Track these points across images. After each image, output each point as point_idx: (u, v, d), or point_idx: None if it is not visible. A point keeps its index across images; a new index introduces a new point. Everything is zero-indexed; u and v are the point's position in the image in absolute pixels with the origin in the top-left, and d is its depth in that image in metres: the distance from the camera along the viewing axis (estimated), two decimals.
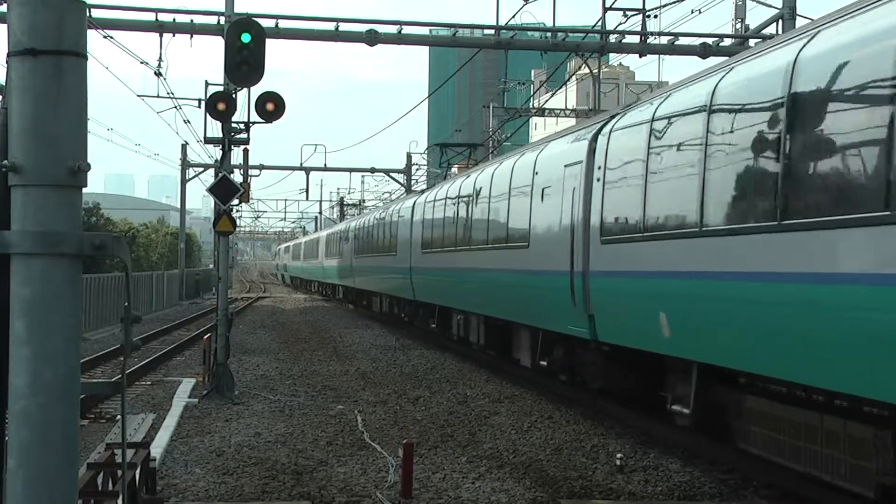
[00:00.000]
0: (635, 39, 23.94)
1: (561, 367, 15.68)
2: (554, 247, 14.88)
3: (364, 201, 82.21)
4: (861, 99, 8.08)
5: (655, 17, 24.91)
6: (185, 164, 55.97)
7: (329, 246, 55.33)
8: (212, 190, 17.68)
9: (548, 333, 15.88)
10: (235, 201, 19.40)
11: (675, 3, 24.58)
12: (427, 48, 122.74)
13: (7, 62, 2.74)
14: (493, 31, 24.57)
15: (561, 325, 14.68)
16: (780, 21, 22.73)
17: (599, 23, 24.24)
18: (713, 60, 21.48)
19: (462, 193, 22.26)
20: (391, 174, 61.94)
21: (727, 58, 10.77)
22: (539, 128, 79.09)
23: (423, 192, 30.56)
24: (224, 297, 17.98)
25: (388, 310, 35.46)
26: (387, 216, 34.36)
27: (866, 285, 7.62)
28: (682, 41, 24.27)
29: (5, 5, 9.38)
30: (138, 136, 58.85)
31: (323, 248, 58.78)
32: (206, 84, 26.56)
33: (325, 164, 59.96)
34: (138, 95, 34.47)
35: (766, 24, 23.75)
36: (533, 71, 77.61)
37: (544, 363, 16.13)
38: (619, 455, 11.46)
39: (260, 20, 17.44)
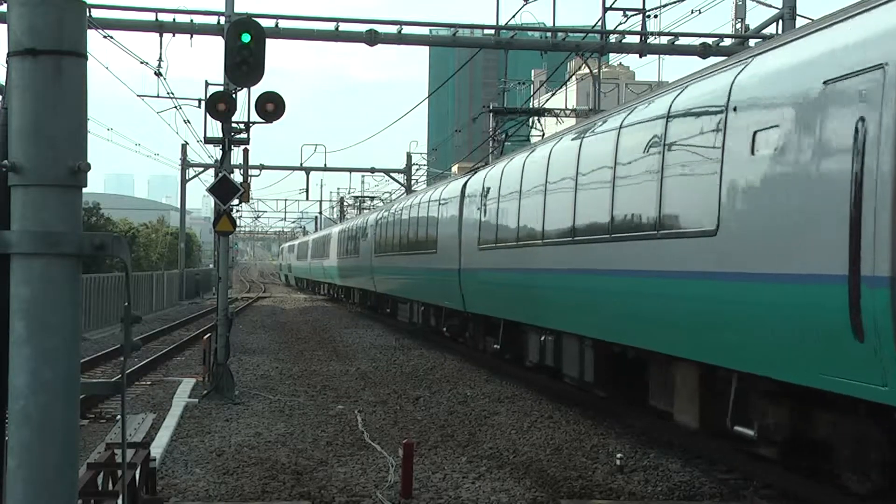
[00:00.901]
0: (635, 39, 23.95)
1: (786, 444, 9.21)
2: (787, 232, 8.63)
3: (364, 201, 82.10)
4: None
5: (655, 17, 24.92)
6: (185, 164, 55.99)
7: (342, 243, 48.24)
8: (212, 190, 17.68)
9: (757, 381, 9.32)
10: (235, 201, 19.40)
11: (675, 3, 24.59)
12: (427, 48, 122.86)
13: (7, 62, 2.74)
14: (493, 31, 24.57)
15: (806, 373, 8.38)
16: (780, 21, 22.74)
17: (599, 23, 24.25)
18: (713, 60, 21.47)
19: (554, 166, 15.65)
20: (391, 174, 61.96)
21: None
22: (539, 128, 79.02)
23: (474, 170, 23.75)
24: (224, 297, 17.99)
25: (422, 321, 27.79)
26: (421, 205, 27.60)
27: None
28: (682, 41, 24.29)
29: (5, 5, 9.38)
30: (138, 136, 58.96)
31: (335, 245, 51.70)
32: (206, 84, 26.59)
33: (325, 164, 60.04)
34: (138, 95, 34.52)
35: (766, 24, 23.76)
36: (533, 71, 77.64)
37: (748, 431, 9.46)
38: (619, 455, 11.46)
39: (260, 20, 17.45)
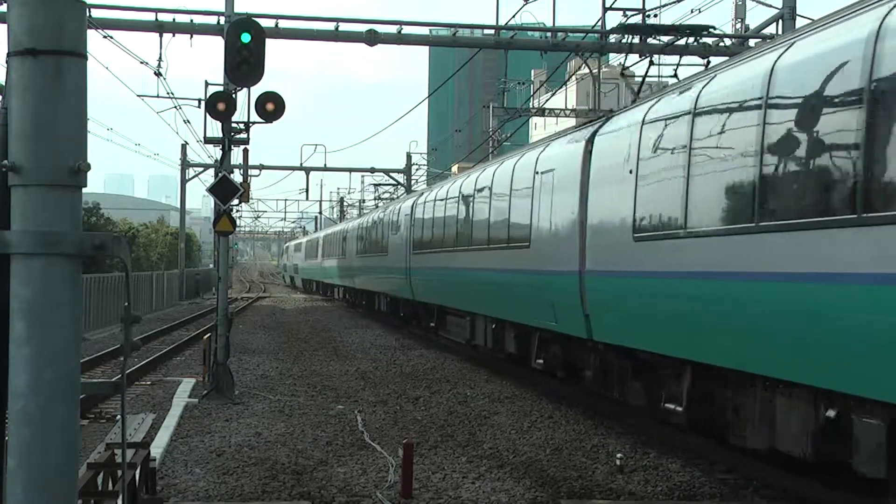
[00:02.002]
0: (635, 39, 23.94)
1: None
2: None
3: (364, 200, 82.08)
4: None
5: (655, 16, 24.96)
6: (185, 164, 56.04)
7: (363, 239, 40.70)
8: (212, 190, 17.69)
9: None
10: (235, 201, 19.41)
11: (675, 2, 24.60)
12: (427, 48, 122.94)
13: (7, 62, 2.74)
14: (493, 31, 24.59)
15: None
16: (780, 21, 22.75)
17: (599, 23, 24.26)
18: (713, 60, 21.49)
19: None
20: (391, 174, 61.95)
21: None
22: (539, 128, 79.17)
23: (605, 118, 14.61)
24: (224, 297, 17.99)
25: (491, 344, 19.28)
26: (496, 181, 19.10)
27: None
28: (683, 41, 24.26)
29: (5, 5, 9.41)
30: (138, 136, 59.04)
31: (354, 241, 43.95)
32: (206, 84, 26.61)
33: (325, 164, 60.12)
34: (138, 95, 34.51)
35: (766, 24, 23.77)
36: (533, 71, 77.62)
37: None
38: (619, 455, 11.46)
39: (260, 20, 17.46)
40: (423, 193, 28.88)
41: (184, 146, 55.74)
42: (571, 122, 40.45)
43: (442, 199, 24.40)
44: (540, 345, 16.33)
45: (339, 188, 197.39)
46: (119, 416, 14.81)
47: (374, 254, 36.29)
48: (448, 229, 23.25)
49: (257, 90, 16.93)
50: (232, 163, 21.33)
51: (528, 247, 16.42)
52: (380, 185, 67.36)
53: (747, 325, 9.48)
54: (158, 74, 25.31)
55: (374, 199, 69.83)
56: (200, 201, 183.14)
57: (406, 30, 23.30)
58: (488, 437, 13.20)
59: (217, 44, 20.96)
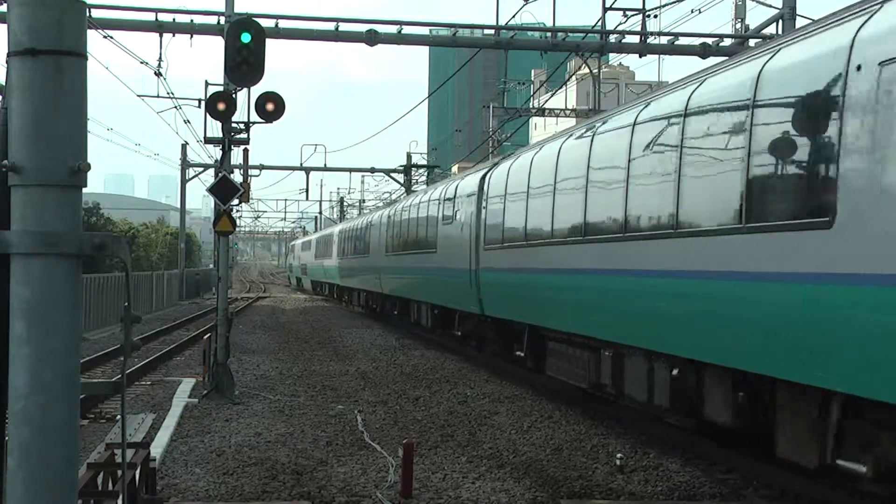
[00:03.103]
0: (635, 39, 23.96)
1: None
2: None
3: (364, 201, 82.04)
4: None
5: (655, 16, 24.97)
6: (185, 164, 56.05)
7: (393, 233, 32.30)
8: (212, 190, 17.69)
9: None
10: (235, 201, 19.41)
11: (675, 2, 24.60)
12: (427, 48, 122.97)
13: (7, 62, 2.74)
14: (493, 31, 24.59)
15: None
16: (780, 21, 22.75)
17: (599, 23, 24.26)
18: (713, 60, 21.50)
19: None
20: (391, 174, 61.91)
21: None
22: (539, 128, 79.14)
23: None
24: (224, 297, 17.99)
25: (655, 399, 11.58)
26: (659, 113, 11.58)
27: None
28: (682, 41, 24.30)
29: (5, 5, 9.41)
30: (138, 136, 59.09)
31: (380, 237, 34.99)
32: (206, 84, 26.66)
33: (325, 164, 60.06)
34: (138, 95, 34.55)
35: (766, 24, 23.77)
36: (533, 71, 77.63)
37: None
38: (619, 455, 11.46)
39: (260, 20, 17.44)
40: (497, 164, 20.32)
41: (184, 146, 55.77)
42: (571, 121, 40.47)
43: (545, 167, 15.86)
44: (846, 425, 8.01)
45: (338, 188, 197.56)
46: (119, 416, 14.81)
47: (413, 251, 28.08)
48: (563, 210, 14.72)
49: (257, 90, 16.95)
50: (232, 163, 21.33)
51: (827, 225, 7.84)
52: (414, 166, 55.81)
53: None
54: (158, 74, 25.32)
55: (404, 183, 58.63)
56: (200, 201, 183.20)
57: (406, 30, 23.30)
58: (488, 437, 13.20)
59: (217, 44, 20.98)
